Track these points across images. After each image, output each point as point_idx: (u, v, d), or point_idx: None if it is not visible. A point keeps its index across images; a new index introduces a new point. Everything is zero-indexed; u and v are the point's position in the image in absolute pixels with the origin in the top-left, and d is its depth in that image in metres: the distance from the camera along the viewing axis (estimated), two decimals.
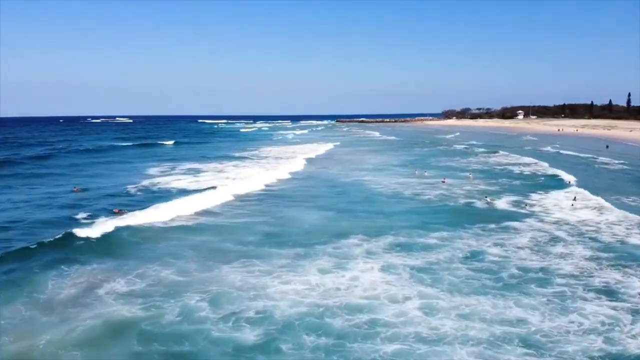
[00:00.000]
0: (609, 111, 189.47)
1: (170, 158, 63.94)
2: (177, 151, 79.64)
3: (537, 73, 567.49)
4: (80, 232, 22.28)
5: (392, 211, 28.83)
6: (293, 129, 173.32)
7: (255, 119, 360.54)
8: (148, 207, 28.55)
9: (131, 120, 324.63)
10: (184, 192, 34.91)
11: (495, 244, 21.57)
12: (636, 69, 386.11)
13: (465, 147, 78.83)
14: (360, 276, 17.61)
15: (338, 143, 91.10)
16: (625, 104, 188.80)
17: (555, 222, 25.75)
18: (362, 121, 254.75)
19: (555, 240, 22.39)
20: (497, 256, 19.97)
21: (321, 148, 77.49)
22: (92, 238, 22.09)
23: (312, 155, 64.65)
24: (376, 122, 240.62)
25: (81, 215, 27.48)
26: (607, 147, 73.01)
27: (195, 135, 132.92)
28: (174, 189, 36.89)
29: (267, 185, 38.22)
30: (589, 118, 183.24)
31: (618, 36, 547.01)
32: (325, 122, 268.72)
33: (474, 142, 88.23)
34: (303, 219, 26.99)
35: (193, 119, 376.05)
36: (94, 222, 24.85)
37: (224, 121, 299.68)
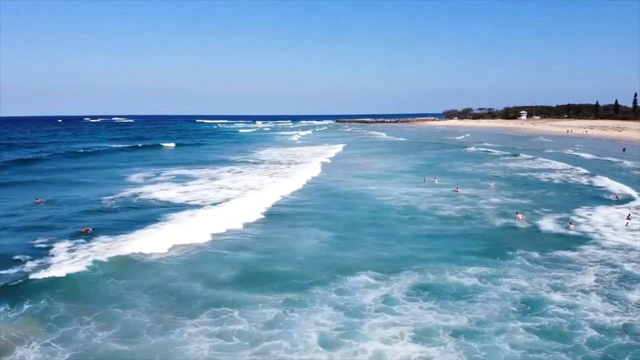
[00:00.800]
0: (615, 112, 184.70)
1: (162, 162, 58.99)
2: (172, 154, 75.86)
3: (537, 73, 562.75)
4: (23, 265, 18.52)
5: (408, 234, 23.53)
6: (295, 129, 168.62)
7: (255, 118, 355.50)
8: (117, 227, 24.30)
9: (131, 121, 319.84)
10: (166, 207, 29.84)
11: (554, 287, 16.28)
12: None
13: (478, 150, 73.35)
14: (386, 350, 12.11)
15: (345, 144, 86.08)
16: (631, 105, 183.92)
17: (618, 249, 20.50)
18: (363, 121, 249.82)
19: (627, 279, 17.13)
20: (561, 307, 14.70)
21: (330, 151, 71.86)
22: (38, 277, 16.99)
23: (325, 159, 59.53)
24: (377, 122, 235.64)
25: (38, 240, 22.10)
26: (624, 150, 68.30)
27: (193, 136, 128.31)
28: (156, 203, 31.65)
29: (259, 196, 32.73)
30: (594, 119, 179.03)
31: (622, 36, 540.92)
32: (326, 122, 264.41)
33: (487, 144, 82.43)
34: (296, 245, 21.73)
35: (192, 119, 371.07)
36: (50, 248, 20.94)
37: (224, 121, 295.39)
